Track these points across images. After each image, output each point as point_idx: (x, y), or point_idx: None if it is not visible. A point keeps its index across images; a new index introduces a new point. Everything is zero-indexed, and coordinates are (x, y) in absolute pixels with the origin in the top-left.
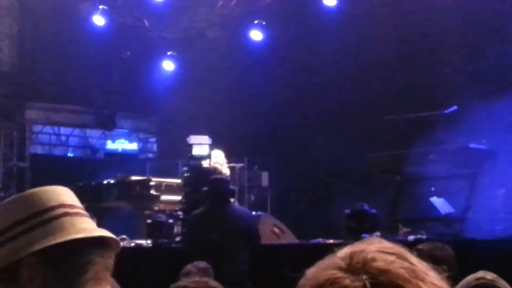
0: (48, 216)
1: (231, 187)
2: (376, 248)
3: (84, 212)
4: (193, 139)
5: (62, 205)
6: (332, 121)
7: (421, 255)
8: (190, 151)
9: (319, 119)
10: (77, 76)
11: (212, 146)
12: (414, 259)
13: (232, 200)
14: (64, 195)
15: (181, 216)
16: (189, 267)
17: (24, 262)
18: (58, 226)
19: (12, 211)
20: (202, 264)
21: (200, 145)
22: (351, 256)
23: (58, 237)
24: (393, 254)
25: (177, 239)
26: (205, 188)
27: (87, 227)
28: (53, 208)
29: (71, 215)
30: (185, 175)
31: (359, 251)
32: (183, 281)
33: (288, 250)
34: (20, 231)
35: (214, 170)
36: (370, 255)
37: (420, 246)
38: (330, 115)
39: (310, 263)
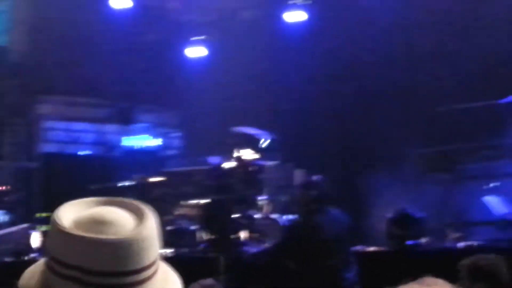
0: (112, 282)
1: None
2: None
3: (148, 273)
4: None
5: (135, 271)
6: (376, 114)
7: (462, 270)
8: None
9: (361, 110)
10: (92, 65)
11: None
12: None
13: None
14: (143, 257)
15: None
16: (194, 285)
17: None
18: None
19: (88, 252)
20: (209, 281)
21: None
22: None
23: None
24: None
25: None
26: (313, 192)
27: None
28: (120, 274)
29: (130, 286)
30: None
31: None
32: None
33: None
34: (85, 281)
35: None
36: None
37: (463, 261)
38: (375, 107)
39: None
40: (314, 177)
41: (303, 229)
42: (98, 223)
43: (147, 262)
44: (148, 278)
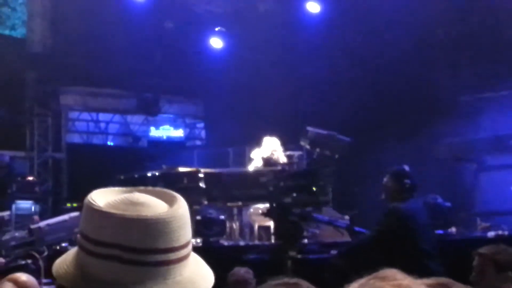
0: (151, 260)
1: None
2: None
3: (185, 252)
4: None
5: (173, 249)
6: (400, 103)
7: (483, 259)
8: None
9: (384, 101)
10: (116, 56)
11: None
12: None
13: None
14: (179, 235)
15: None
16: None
17: None
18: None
19: (127, 230)
20: (243, 269)
21: None
22: None
23: None
24: None
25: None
26: (407, 181)
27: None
28: (159, 251)
29: (168, 263)
30: None
31: None
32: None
33: None
34: (125, 258)
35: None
36: None
37: (481, 250)
38: (397, 97)
39: None
40: (405, 167)
41: (402, 216)
42: (133, 204)
43: (183, 241)
44: (184, 257)
